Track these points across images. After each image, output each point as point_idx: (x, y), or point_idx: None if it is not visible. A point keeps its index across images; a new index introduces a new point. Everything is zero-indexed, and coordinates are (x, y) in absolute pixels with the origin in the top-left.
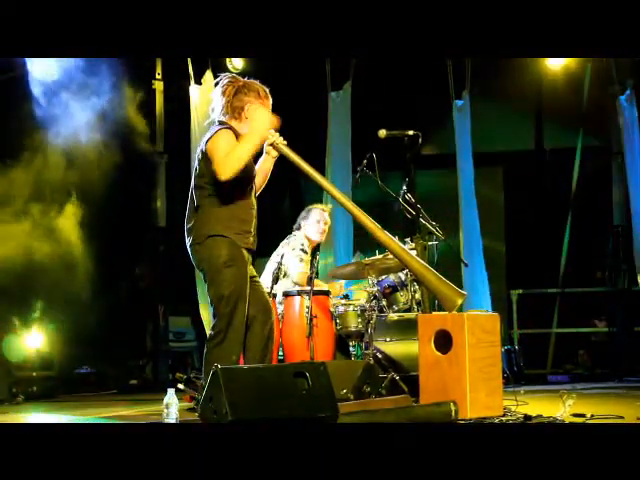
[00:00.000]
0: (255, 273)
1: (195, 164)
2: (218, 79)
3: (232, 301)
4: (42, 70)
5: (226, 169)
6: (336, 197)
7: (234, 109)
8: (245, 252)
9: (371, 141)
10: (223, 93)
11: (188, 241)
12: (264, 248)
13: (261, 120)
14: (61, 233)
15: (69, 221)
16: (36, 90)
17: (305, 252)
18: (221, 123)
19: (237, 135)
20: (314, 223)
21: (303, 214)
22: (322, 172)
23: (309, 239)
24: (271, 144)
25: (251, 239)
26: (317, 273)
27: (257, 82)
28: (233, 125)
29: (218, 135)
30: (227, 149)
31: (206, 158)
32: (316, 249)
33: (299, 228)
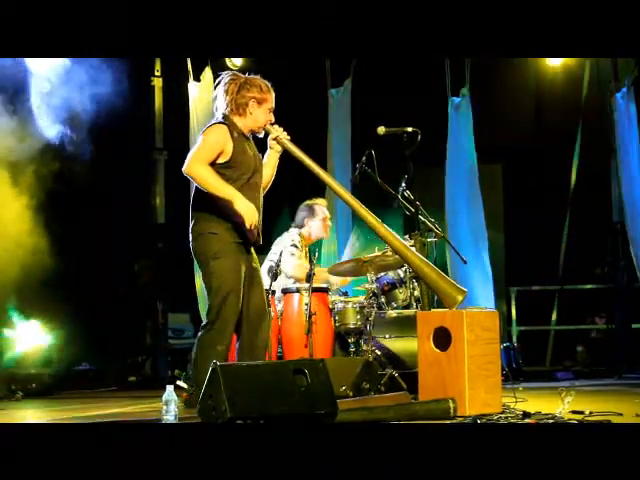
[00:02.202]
0: (259, 269)
1: None
2: (220, 78)
3: (221, 293)
4: (40, 66)
5: (193, 170)
6: (338, 192)
7: (238, 106)
8: (239, 246)
9: (371, 138)
10: (226, 91)
11: (190, 238)
12: (265, 246)
13: (247, 211)
14: (59, 229)
15: (66, 217)
16: (34, 86)
17: (296, 247)
18: (223, 117)
19: (237, 131)
20: (320, 221)
21: (305, 212)
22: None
23: (303, 235)
24: (274, 139)
25: (246, 233)
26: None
27: (259, 77)
28: (236, 121)
29: (211, 129)
30: (210, 150)
31: None
32: (315, 245)
33: (302, 226)
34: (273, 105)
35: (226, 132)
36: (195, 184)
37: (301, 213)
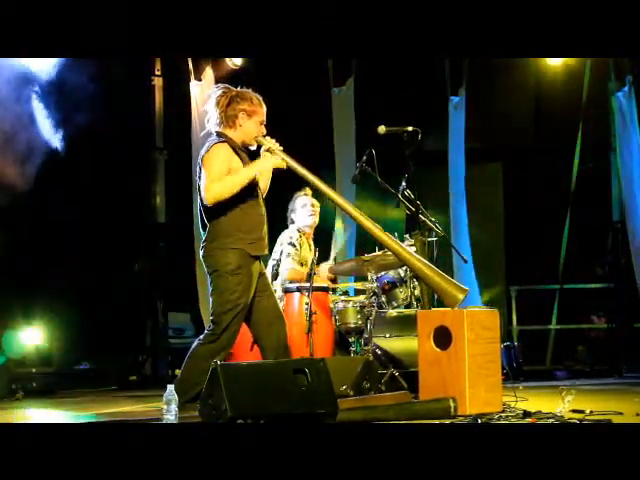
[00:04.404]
0: (266, 274)
1: (197, 178)
2: (211, 91)
3: (235, 310)
4: (39, 65)
5: (211, 195)
6: (335, 200)
7: (228, 118)
8: (255, 262)
9: (375, 137)
10: (217, 104)
11: (201, 252)
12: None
13: (268, 162)
14: (58, 229)
15: (66, 216)
16: (33, 84)
17: (293, 246)
18: (218, 134)
19: (233, 145)
20: (300, 209)
21: (290, 207)
22: (329, 170)
23: (302, 230)
24: (267, 150)
25: (263, 244)
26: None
27: (250, 90)
28: (228, 134)
29: (212, 151)
30: (218, 171)
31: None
32: (314, 246)
33: (292, 222)
34: (264, 118)
35: (228, 149)
36: (203, 201)
37: (288, 210)
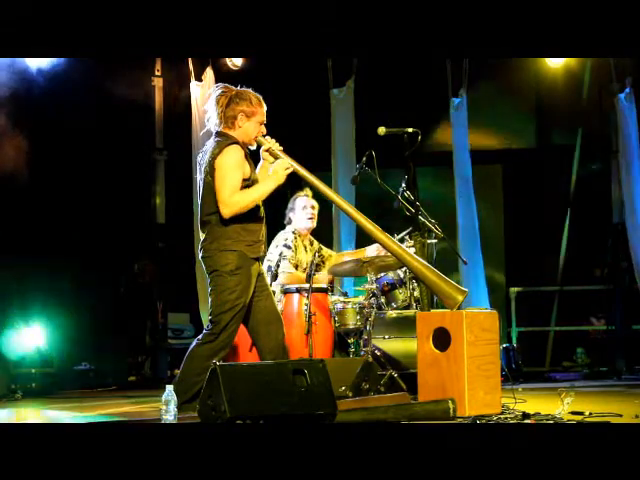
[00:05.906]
0: (264, 274)
1: (200, 177)
2: (211, 90)
3: (235, 309)
4: (41, 63)
5: (229, 211)
6: (335, 201)
7: (227, 118)
8: (254, 263)
9: (375, 138)
10: (216, 103)
11: (200, 253)
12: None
13: (282, 170)
14: (59, 229)
15: (67, 216)
16: (35, 83)
17: (289, 248)
18: (221, 135)
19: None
20: (300, 211)
21: (289, 206)
22: (327, 171)
23: (298, 232)
24: (267, 150)
25: (262, 247)
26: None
27: (250, 90)
28: (229, 134)
29: (227, 154)
30: (235, 180)
31: (215, 175)
32: (313, 245)
33: (290, 222)
34: (264, 118)
35: (241, 151)
36: (203, 197)
37: (287, 210)
